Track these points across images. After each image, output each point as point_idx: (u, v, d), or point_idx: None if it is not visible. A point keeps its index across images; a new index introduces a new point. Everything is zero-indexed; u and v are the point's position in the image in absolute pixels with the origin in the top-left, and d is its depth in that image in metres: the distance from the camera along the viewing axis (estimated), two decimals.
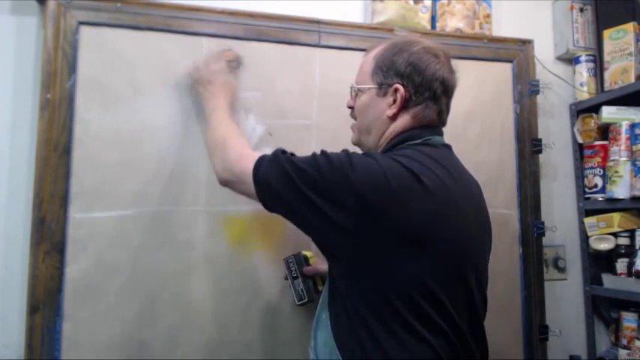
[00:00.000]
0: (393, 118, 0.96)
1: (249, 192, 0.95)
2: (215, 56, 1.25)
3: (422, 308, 0.84)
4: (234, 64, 1.27)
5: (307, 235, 0.94)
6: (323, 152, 0.90)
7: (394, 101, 0.95)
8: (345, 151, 0.90)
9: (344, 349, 0.87)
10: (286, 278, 1.22)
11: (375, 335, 0.83)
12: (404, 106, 0.95)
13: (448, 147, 1.00)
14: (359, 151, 1.02)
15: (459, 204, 0.91)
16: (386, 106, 0.97)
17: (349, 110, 1.06)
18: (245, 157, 0.97)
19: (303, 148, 1.33)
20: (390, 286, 0.84)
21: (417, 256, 0.85)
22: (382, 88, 0.97)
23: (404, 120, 0.96)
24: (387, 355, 0.83)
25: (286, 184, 0.88)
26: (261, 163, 0.93)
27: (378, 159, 0.88)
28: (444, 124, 1.01)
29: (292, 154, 0.94)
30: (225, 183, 1.03)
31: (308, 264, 1.20)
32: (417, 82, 0.94)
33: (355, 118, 1.05)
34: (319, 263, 1.22)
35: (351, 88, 1.04)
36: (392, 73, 0.95)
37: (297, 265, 1.20)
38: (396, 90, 0.95)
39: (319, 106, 1.37)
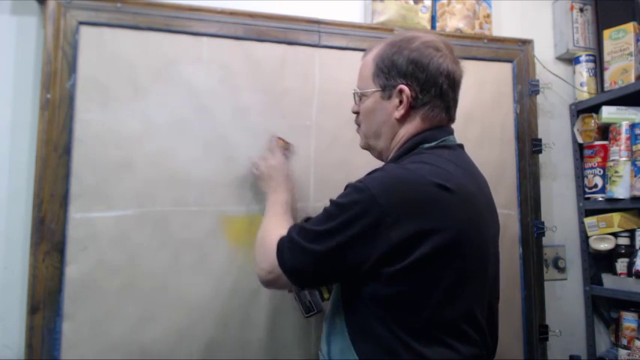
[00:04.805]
0: (402, 120, 0.94)
1: (289, 283, 0.91)
2: (269, 149, 1.24)
3: (455, 323, 0.84)
4: (287, 151, 1.27)
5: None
6: (331, 201, 0.88)
7: (400, 102, 0.92)
8: (352, 186, 0.86)
9: (364, 352, 0.86)
10: (290, 291, 1.19)
11: (407, 343, 0.82)
12: (412, 107, 0.92)
13: (461, 147, 0.98)
14: (368, 156, 1.02)
15: (480, 207, 0.91)
16: (392, 109, 0.93)
17: (349, 110, 1.05)
18: (272, 251, 0.91)
19: (303, 148, 1.33)
20: (427, 305, 0.82)
21: (454, 267, 0.83)
22: (386, 91, 0.94)
23: (414, 122, 0.93)
24: (419, 356, 0.82)
25: (313, 261, 0.86)
26: (282, 253, 0.90)
27: (393, 173, 0.86)
28: (453, 120, 0.98)
29: (307, 219, 0.91)
30: (268, 284, 0.96)
31: None
32: (422, 79, 0.91)
33: (359, 124, 1.02)
34: None
35: (354, 93, 1.01)
36: (394, 74, 0.92)
37: None
38: (401, 91, 0.92)
39: (319, 106, 1.36)
